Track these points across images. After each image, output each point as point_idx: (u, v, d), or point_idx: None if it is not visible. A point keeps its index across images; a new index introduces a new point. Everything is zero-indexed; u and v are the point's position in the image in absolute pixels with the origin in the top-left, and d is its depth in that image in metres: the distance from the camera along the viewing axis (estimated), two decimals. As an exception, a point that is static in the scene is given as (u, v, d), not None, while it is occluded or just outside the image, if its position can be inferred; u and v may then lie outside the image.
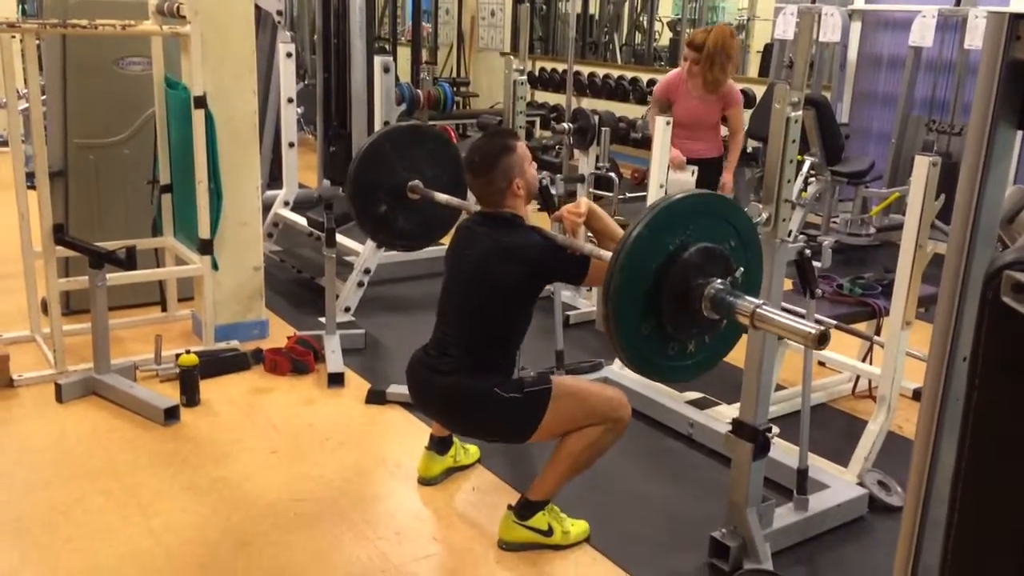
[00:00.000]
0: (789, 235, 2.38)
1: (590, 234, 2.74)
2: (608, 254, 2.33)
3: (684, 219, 2.04)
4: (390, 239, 3.47)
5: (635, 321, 2.01)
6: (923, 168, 2.72)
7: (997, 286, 1.03)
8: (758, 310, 1.98)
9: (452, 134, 7.97)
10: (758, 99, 6.84)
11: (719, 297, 2.02)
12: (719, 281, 2.03)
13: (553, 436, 2.55)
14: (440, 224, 3.41)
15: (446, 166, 3.34)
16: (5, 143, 6.58)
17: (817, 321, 2.99)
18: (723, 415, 3.28)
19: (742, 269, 2.11)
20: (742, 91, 7.37)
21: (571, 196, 4.70)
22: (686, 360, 2.14)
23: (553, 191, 3.60)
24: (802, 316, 2.86)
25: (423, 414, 2.75)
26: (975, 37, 5.65)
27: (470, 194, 2.88)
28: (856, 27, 6.76)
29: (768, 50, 8.38)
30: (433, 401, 2.66)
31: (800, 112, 2.29)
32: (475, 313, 2.59)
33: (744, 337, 2.50)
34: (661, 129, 3.50)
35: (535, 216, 2.73)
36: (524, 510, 2.61)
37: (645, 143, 6.44)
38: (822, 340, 1.91)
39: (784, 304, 2.74)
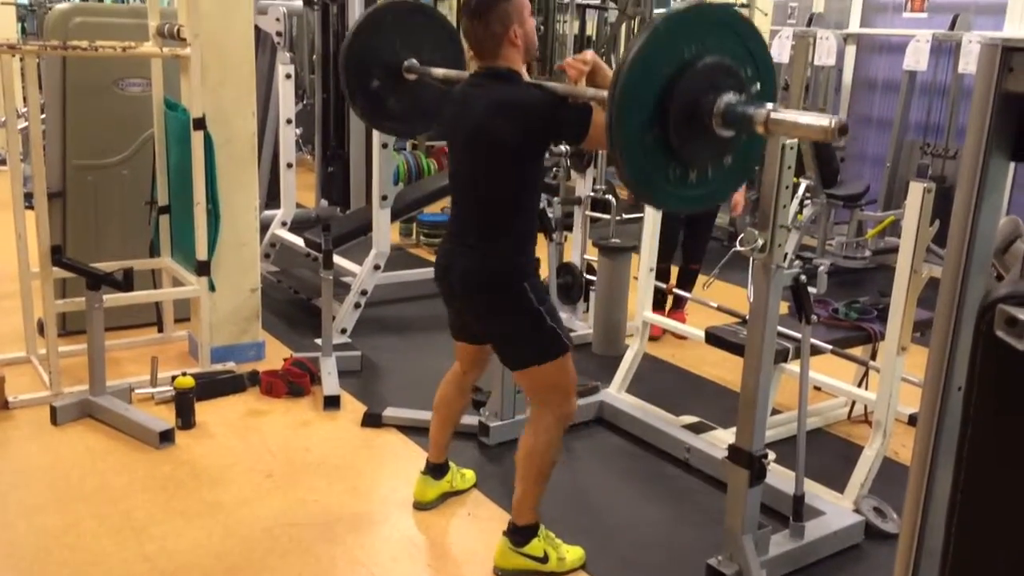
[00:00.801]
0: (785, 259, 2.38)
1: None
2: None
3: (693, 29, 1.94)
4: (381, 119, 3.34)
5: (639, 129, 1.90)
6: (917, 194, 2.73)
7: (991, 319, 1.03)
8: (771, 115, 1.92)
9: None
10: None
11: (731, 109, 1.93)
12: (732, 93, 1.95)
13: (521, 381, 2.61)
14: (435, 107, 3.21)
15: (445, 52, 3.18)
16: (4, 163, 6.59)
17: (813, 347, 3.00)
18: (720, 440, 3.27)
19: (758, 85, 2.02)
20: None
21: (568, 218, 4.72)
22: (687, 190, 2.05)
23: (550, 214, 3.62)
24: (798, 341, 2.87)
25: (445, 298, 2.65)
26: (969, 62, 5.69)
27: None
28: (851, 51, 6.81)
29: (764, 73, 8.44)
30: (457, 277, 2.54)
31: (795, 139, 2.30)
32: (482, 185, 2.50)
33: (739, 360, 2.50)
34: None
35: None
36: (517, 536, 2.60)
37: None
38: (842, 131, 1.85)
39: (780, 328, 2.75)
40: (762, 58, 2.06)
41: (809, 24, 6.83)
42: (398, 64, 3.13)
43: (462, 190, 2.59)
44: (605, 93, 2.19)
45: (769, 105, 1.95)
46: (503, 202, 2.49)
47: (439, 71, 3.06)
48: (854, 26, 6.81)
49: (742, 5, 10.87)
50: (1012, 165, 1.36)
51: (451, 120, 2.58)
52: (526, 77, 2.54)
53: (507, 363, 2.66)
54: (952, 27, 5.97)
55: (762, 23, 9.91)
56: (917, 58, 6.01)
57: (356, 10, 5.42)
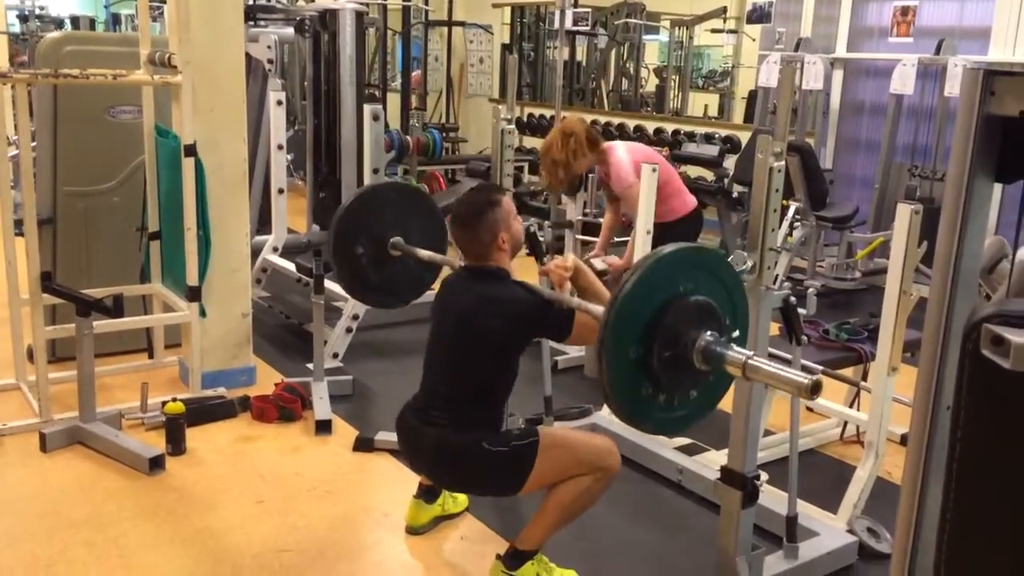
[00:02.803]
0: (775, 281, 2.40)
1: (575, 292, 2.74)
2: (596, 308, 2.35)
3: (674, 272, 2.04)
4: (370, 295, 3.45)
5: (630, 377, 2.01)
6: (905, 216, 2.75)
7: (977, 339, 1.04)
8: (749, 361, 1.99)
9: (440, 180, 8.02)
10: (743, 145, 6.92)
11: (711, 349, 2.02)
12: (709, 333, 2.04)
13: (542, 487, 2.54)
14: (419, 282, 3.40)
15: (426, 227, 3.33)
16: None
17: (804, 367, 3.01)
18: (712, 461, 3.27)
19: (737, 332, 2.13)
20: (726, 138, 7.49)
21: (559, 241, 4.74)
22: (678, 411, 2.13)
23: (541, 237, 3.63)
24: (788, 363, 2.88)
25: (412, 469, 2.75)
26: (955, 85, 5.76)
27: (450, 251, 2.89)
28: (838, 75, 6.89)
29: (752, 97, 8.52)
30: (423, 454, 2.64)
31: (783, 162, 2.32)
32: (461, 368, 2.59)
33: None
34: (647, 176, 3.54)
35: (522, 265, 2.75)
36: (513, 560, 2.58)
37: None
38: (814, 390, 1.91)
39: (771, 350, 2.76)
40: (739, 299, 2.17)
41: (797, 49, 6.91)
42: (385, 239, 3.25)
43: (439, 367, 2.66)
44: (589, 306, 2.41)
45: (746, 352, 2.02)
46: (479, 383, 2.58)
47: (424, 252, 3.21)
48: (841, 51, 6.89)
49: (730, 31, 11.03)
50: (998, 185, 1.38)
51: (440, 303, 2.71)
52: (513, 275, 2.66)
53: (505, 495, 2.76)
54: (937, 51, 6.05)
55: (750, 49, 10.04)
56: (904, 82, 6.08)
57: (347, 37, 5.46)
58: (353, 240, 3.23)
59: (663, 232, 3.64)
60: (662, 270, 2.04)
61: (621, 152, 4.17)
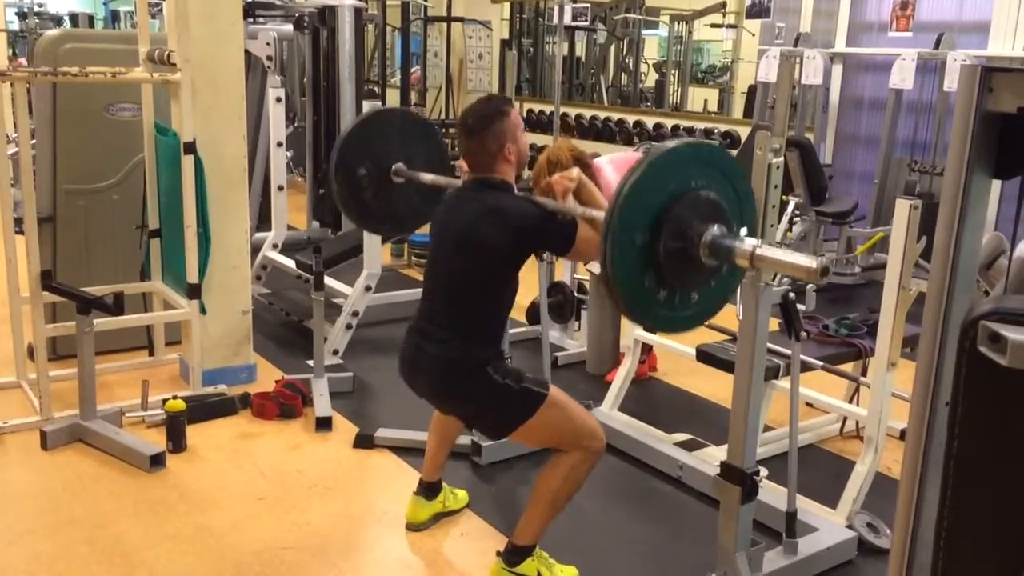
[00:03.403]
0: (774, 277, 2.40)
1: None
2: (598, 213, 2.33)
3: (679, 167, 2.02)
4: (369, 222, 3.40)
5: (636, 273, 1.99)
6: (904, 211, 2.75)
7: (974, 336, 1.04)
8: (757, 250, 1.98)
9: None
10: (742, 141, 6.91)
11: (717, 242, 2.00)
12: (716, 227, 2.02)
13: (527, 442, 2.54)
14: (419, 212, 3.31)
15: (430, 155, 3.27)
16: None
17: (803, 363, 3.01)
18: (712, 457, 3.28)
19: (745, 229, 2.09)
20: (725, 133, 7.49)
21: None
22: (678, 311, 2.11)
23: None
24: (788, 358, 2.88)
25: (412, 389, 2.69)
26: (954, 80, 5.75)
27: (456, 172, 2.84)
28: (838, 70, 6.88)
29: (752, 92, 8.51)
30: (424, 371, 2.60)
31: (781, 158, 2.33)
32: (461, 282, 2.57)
33: (731, 377, 2.51)
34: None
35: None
36: (512, 556, 2.59)
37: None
38: (823, 272, 1.91)
39: (770, 346, 2.76)
40: (743, 191, 2.16)
41: (796, 44, 6.89)
42: (386, 166, 3.21)
43: (439, 283, 2.64)
44: (592, 211, 2.39)
45: (754, 241, 2.02)
46: (479, 300, 2.57)
47: (427, 176, 3.17)
48: (840, 46, 6.87)
49: (729, 26, 11.02)
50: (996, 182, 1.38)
51: (440, 218, 2.69)
52: (516, 190, 2.65)
53: (491, 436, 2.67)
54: (937, 46, 6.04)
55: (750, 43, 10.02)
56: (903, 76, 6.07)
57: (346, 34, 5.46)
58: (356, 163, 3.16)
59: None
60: (675, 161, 2.02)
61: (608, 172, 4.17)
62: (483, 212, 2.51)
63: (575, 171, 2.57)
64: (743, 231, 2.08)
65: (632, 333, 3.72)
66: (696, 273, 2.06)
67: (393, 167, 3.19)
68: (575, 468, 2.52)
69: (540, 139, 9.20)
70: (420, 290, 2.73)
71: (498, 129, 2.56)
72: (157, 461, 3.29)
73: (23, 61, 9.13)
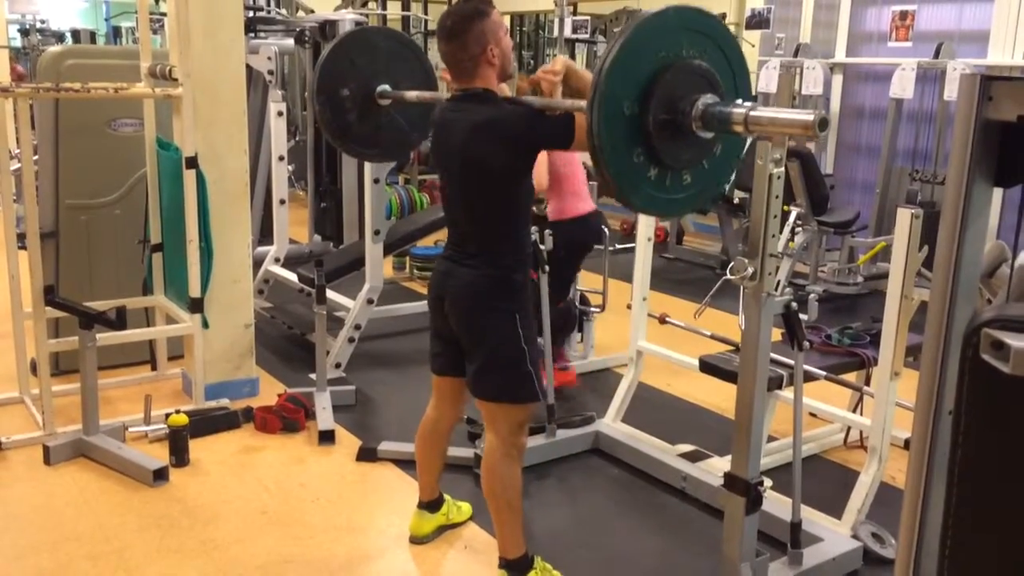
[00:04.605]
0: (777, 286, 2.39)
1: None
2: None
3: (668, 33, 1.97)
4: (352, 146, 3.36)
5: (624, 148, 1.92)
6: (905, 220, 2.75)
7: (977, 343, 1.04)
8: (750, 113, 1.94)
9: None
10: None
11: (710, 111, 1.95)
12: (709, 96, 1.97)
13: (488, 412, 2.59)
14: (405, 139, 3.29)
15: (417, 77, 3.21)
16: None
17: (806, 373, 3.00)
18: (716, 468, 3.27)
19: (735, 87, 2.05)
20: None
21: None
22: (679, 192, 2.07)
23: (543, 247, 3.63)
24: (791, 368, 2.88)
25: (437, 321, 2.65)
26: (954, 89, 5.76)
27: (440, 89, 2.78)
28: (838, 80, 6.89)
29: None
30: (452, 291, 2.56)
31: (782, 168, 2.32)
32: (476, 203, 2.53)
33: (734, 388, 2.50)
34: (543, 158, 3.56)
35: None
36: (513, 570, 2.59)
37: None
38: (822, 125, 1.86)
39: (773, 355, 2.76)
40: (737, 61, 2.10)
41: (796, 54, 6.92)
42: (371, 88, 3.14)
43: (457, 211, 2.61)
44: (581, 103, 2.24)
45: (747, 104, 1.97)
46: (497, 218, 2.53)
47: (412, 93, 3.10)
48: (840, 55, 6.89)
49: (729, 36, 11.05)
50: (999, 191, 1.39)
51: (436, 146, 2.64)
52: (505, 92, 2.59)
53: (477, 391, 2.60)
54: (936, 55, 6.05)
55: (750, 54, 10.04)
56: (903, 86, 6.08)
57: (347, 47, 5.48)
58: (338, 83, 3.09)
59: (552, 228, 3.78)
60: (663, 27, 1.96)
61: None
62: (472, 129, 2.44)
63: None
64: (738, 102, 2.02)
65: (634, 344, 3.72)
66: (689, 148, 1.99)
67: (378, 89, 3.13)
68: (510, 466, 2.58)
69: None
70: (423, 304, 2.73)
71: (479, 30, 2.44)
72: (160, 475, 3.29)
73: (21, 68, 9.17)
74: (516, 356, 2.50)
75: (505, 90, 2.62)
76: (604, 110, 1.88)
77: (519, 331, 2.49)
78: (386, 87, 3.14)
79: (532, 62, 10.81)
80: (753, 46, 7.64)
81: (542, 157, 3.64)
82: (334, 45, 3.17)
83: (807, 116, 1.89)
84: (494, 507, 2.60)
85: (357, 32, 3.27)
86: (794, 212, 5.86)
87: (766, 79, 6.90)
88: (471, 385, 2.63)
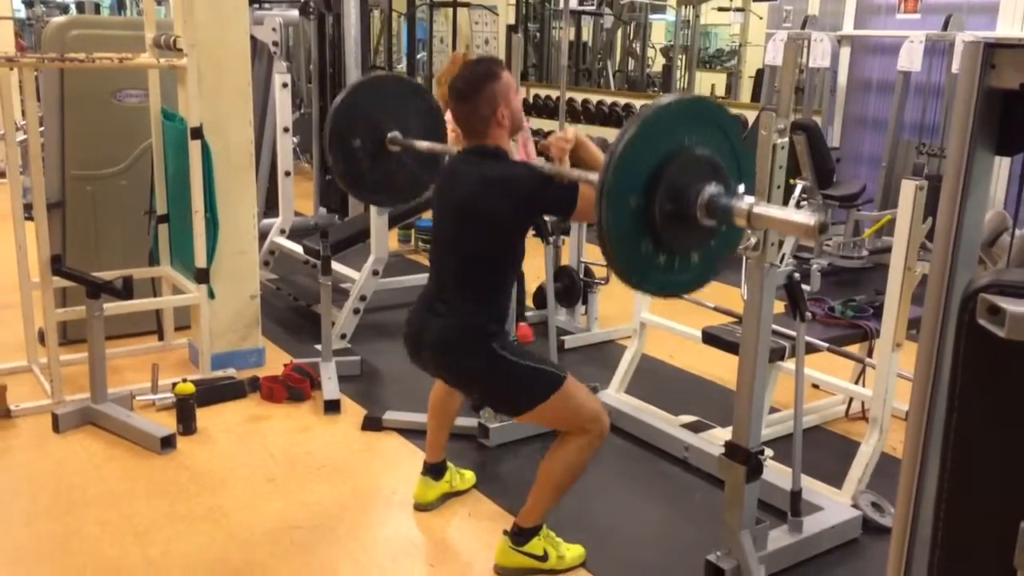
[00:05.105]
0: (782, 259, 2.40)
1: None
2: (595, 176, 2.27)
3: (674, 124, 1.99)
4: (365, 192, 3.39)
5: (632, 239, 1.95)
6: (909, 192, 2.75)
7: (973, 309, 1.05)
8: (754, 209, 1.97)
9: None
10: (749, 124, 6.89)
11: (714, 202, 1.98)
12: (713, 185, 1.99)
13: (539, 421, 2.57)
14: (416, 181, 3.29)
15: (425, 125, 3.23)
16: (3, 175, 6.62)
17: (809, 344, 3.02)
18: (718, 438, 3.29)
19: (743, 187, 2.07)
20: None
21: (565, 234, 4.74)
22: (687, 273, 2.10)
23: (546, 218, 3.64)
24: (793, 339, 2.89)
25: (417, 364, 2.67)
26: (962, 61, 5.72)
27: (448, 140, 2.84)
28: (845, 52, 6.85)
29: (760, 76, 8.47)
30: (427, 343, 2.58)
31: (786, 139, 2.33)
32: (464, 254, 2.55)
33: (735, 359, 2.52)
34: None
35: (529, 245, 2.74)
36: (518, 536, 2.61)
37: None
38: (822, 229, 1.89)
39: (775, 327, 2.77)
40: (740, 145, 2.12)
41: (804, 27, 6.86)
42: (382, 135, 3.17)
43: (444, 256, 2.62)
44: (589, 175, 2.32)
45: (751, 199, 1.99)
46: (484, 270, 2.55)
47: (423, 143, 3.14)
48: (848, 28, 6.84)
49: (737, 9, 10.97)
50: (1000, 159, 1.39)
51: (440, 193, 2.66)
52: (514, 155, 2.62)
53: (504, 413, 2.64)
54: (945, 27, 6.01)
55: (758, 27, 9.97)
56: (911, 59, 6.04)
57: (351, 19, 5.46)
58: (350, 133, 3.12)
59: None
60: (667, 118, 1.98)
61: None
62: (481, 182, 2.48)
63: (571, 131, 2.54)
64: (741, 188, 2.04)
65: (638, 315, 3.73)
66: (694, 234, 2.02)
67: (388, 136, 3.16)
68: (579, 452, 2.54)
69: (547, 124, 9.20)
70: (427, 275, 2.74)
71: (490, 92, 2.49)
72: (168, 443, 3.33)
73: (23, 43, 9.14)
74: (508, 371, 2.49)
75: (512, 149, 2.65)
76: (612, 207, 1.91)
77: (500, 354, 2.47)
78: (396, 134, 3.17)
79: (537, 35, 10.74)
80: (761, 18, 7.60)
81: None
82: (344, 96, 3.21)
83: (808, 219, 1.91)
84: (544, 479, 2.57)
85: (365, 81, 3.31)
86: (800, 185, 5.86)
87: (773, 52, 6.86)
88: (494, 411, 2.65)
